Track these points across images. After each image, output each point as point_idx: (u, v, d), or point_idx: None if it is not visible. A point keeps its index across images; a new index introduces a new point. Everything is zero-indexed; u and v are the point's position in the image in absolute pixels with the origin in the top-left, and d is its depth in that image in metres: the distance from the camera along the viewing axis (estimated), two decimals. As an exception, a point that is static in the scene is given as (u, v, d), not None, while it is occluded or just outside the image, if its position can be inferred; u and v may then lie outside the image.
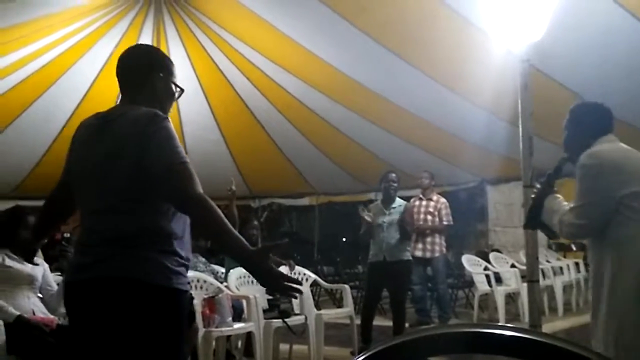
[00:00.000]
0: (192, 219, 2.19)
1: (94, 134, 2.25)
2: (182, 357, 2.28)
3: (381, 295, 6.61)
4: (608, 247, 2.74)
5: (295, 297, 2.18)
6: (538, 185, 3.08)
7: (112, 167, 2.15)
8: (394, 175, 6.67)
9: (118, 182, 2.14)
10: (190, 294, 2.35)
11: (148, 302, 2.09)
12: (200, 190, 2.08)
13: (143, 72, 2.35)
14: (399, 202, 6.59)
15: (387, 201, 6.57)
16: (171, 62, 2.47)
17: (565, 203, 2.90)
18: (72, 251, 4.60)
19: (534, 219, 3.04)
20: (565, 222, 2.79)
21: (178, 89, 2.44)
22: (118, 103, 2.37)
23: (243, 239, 2.10)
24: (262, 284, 2.20)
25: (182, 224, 2.23)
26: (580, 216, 2.75)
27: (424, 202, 8.15)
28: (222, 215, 2.08)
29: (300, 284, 2.15)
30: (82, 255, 2.20)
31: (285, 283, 2.08)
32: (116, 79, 2.40)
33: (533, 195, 3.07)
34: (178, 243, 2.19)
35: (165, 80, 2.38)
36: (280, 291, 2.21)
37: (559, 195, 2.97)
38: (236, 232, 2.10)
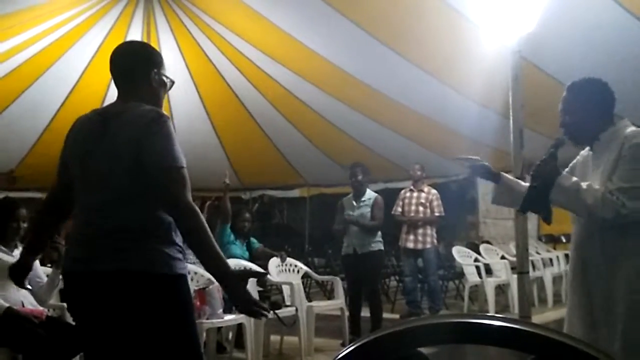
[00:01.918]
0: (179, 227, 2.24)
1: (95, 130, 2.29)
2: (196, 335, 2.34)
3: (361, 286, 6.58)
4: (628, 239, 2.60)
5: (260, 318, 2.26)
6: (539, 165, 2.72)
7: (113, 164, 2.21)
8: (357, 169, 6.64)
9: (119, 179, 2.20)
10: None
11: (157, 292, 2.17)
12: (190, 199, 2.17)
13: (140, 70, 2.40)
14: (369, 194, 6.60)
15: (357, 195, 6.60)
16: (161, 56, 2.54)
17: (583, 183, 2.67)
18: (63, 243, 4.60)
19: (541, 199, 2.69)
20: (608, 199, 2.54)
21: (169, 81, 2.49)
22: (116, 100, 2.42)
23: (223, 257, 2.20)
24: (234, 304, 2.35)
25: None
26: (633, 197, 2.53)
27: (415, 194, 8.16)
28: (208, 229, 2.17)
29: (268, 310, 2.29)
30: (84, 247, 2.24)
31: (255, 308, 2.21)
32: (110, 73, 2.44)
33: (533, 173, 2.73)
34: (175, 231, 2.26)
35: (160, 76, 2.44)
36: (249, 314, 2.30)
37: (573, 177, 2.73)
38: (218, 248, 2.19)
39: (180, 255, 2.27)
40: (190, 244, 2.20)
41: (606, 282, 2.63)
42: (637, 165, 2.59)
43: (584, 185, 2.62)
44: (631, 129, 2.72)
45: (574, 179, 2.67)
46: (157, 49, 2.71)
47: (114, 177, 2.21)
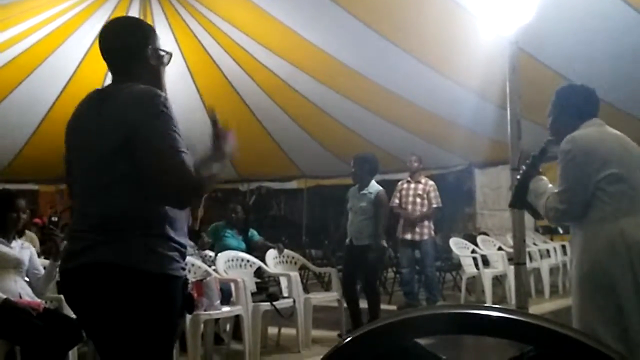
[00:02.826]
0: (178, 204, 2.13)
1: (91, 108, 2.15)
2: (170, 346, 2.18)
3: (356, 278, 6.54)
4: (580, 230, 2.81)
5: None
6: (524, 167, 3.07)
7: (101, 147, 2.04)
8: (353, 161, 6.56)
9: (106, 164, 2.04)
10: (187, 278, 2.25)
11: (136, 289, 2.00)
12: (189, 179, 2.02)
13: (135, 48, 2.23)
14: (372, 187, 6.45)
15: (360, 186, 6.52)
16: (154, 30, 2.37)
17: (551, 185, 2.91)
18: (60, 235, 4.61)
19: (519, 199, 3.06)
20: (549, 206, 2.82)
21: (167, 55, 2.33)
22: (112, 81, 2.25)
23: (202, 170, 2.11)
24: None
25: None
26: (562, 201, 2.77)
27: (412, 185, 8.16)
28: (194, 181, 2.04)
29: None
30: (72, 242, 2.15)
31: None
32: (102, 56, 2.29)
33: (518, 177, 3.07)
34: (171, 226, 2.09)
35: (157, 51, 2.28)
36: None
37: (543, 177, 2.98)
38: (199, 175, 2.07)
39: (174, 254, 2.08)
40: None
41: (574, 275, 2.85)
42: (561, 170, 2.82)
43: (550, 189, 2.87)
44: (581, 132, 2.87)
45: (543, 182, 2.92)
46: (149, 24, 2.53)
47: (101, 161, 2.05)
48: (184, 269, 2.15)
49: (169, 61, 2.34)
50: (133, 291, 2.00)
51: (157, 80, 2.26)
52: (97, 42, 2.33)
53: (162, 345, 2.11)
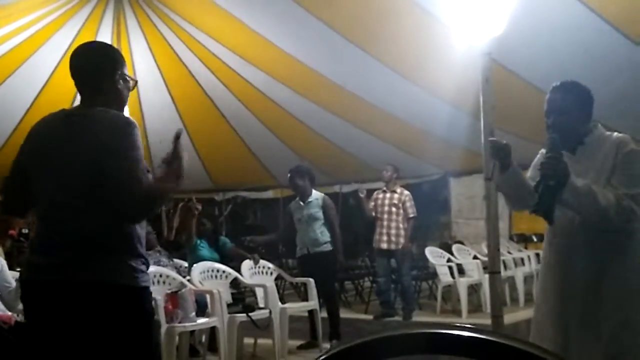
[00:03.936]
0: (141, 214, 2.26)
1: (60, 129, 2.22)
2: (152, 350, 2.31)
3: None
4: (620, 237, 2.62)
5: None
6: (548, 166, 2.57)
7: (76, 165, 2.15)
8: (289, 174, 6.69)
9: (81, 186, 2.14)
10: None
11: (118, 303, 2.14)
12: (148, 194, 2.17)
13: (104, 73, 2.33)
14: (315, 195, 6.61)
15: (302, 197, 6.62)
16: (122, 55, 2.47)
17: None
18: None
19: (551, 199, 2.55)
20: (627, 208, 2.52)
21: (133, 81, 2.43)
22: (80, 103, 2.34)
23: (163, 182, 2.26)
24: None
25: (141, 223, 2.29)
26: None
27: (387, 195, 8.20)
28: (157, 191, 2.22)
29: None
30: (46, 255, 2.16)
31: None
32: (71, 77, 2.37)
33: (545, 172, 2.56)
34: (139, 243, 2.25)
35: (124, 78, 2.37)
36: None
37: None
38: (160, 186, 2.24)
39: (143, 267, 2.26)
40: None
41: (593, 283, 2.62)
42: (638, 172, 2.60)
43: (594, 187, 2.55)
44: (615, 134, 2.73)
45: (582, 180, 2.58)
46: (126, 49, 2.65)
47: (76, 182, 2.15)
48: (149, 280, 2.33)
49: (133, 87, 2.45)
50: (113, 306, 2.12)
51: (122, 103, 2.36)
52: (69, 52, 2.40)
53: (145, 355, 2.23)
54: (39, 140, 2.29)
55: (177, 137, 2.38)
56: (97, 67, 2.34)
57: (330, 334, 6.25)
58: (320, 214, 6.48)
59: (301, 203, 6.60)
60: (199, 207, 6.35)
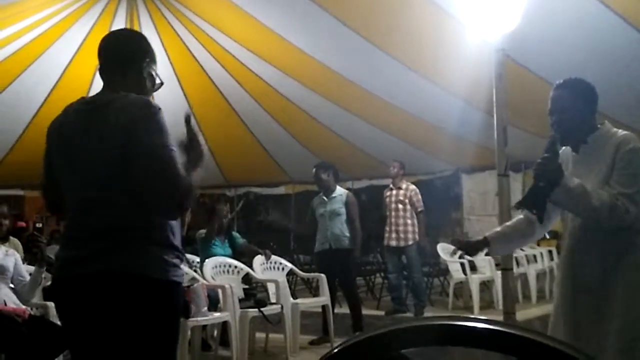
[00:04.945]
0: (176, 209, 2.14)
1: (84, 119, 2.14)
2: (174, 352, 2.23)
3: (335, 283, 6.62)
4: (631, 234, 2.57)
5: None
6: (542, 163, 2.56)
7: (101, 157, 2.06)
8: (314, 169, 6.73)
9: (108, 173, 2.06)
10: (183, 285, 2.29)
11: (147, 296, 2.04)
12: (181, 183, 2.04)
13: (135, 58, 2.27)
14: (339, 191, 6.67)
15: (325, 192, 6.65)
16: (154, 51, 2.39)
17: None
18: (44, 241, 4.56)
19: (542, 198, 2.54)
20: (618, 206, 2.48)
21: (159, 81, 2.37)
22: (103, 88, 2.26)
23: (186, 167, 2.11)
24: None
25: None
26: (637, 202, 2.51)
27: (394, 192, 8.18)
28: (180, 181, 2.04)
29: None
30: (76, 249, 2.09)
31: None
32: (98, 59, 2.29)
33: (537, 172, 2.55)
34: (172, 235, 2.15)
35: (150, 71, 2.32)
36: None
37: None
38: (186, 177, 2.08)
39: (176, 261, 2.15)
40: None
41: (603, 279, 2.60)
42: (636, 170, 2.56)
43: (588, 187, 2.53)
44: (621, 132, 2.69)
45: (577, 180, 2.55)
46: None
47: (102, 171, 2.06)
48: (182, 275, 2.22)
49: (157, 88, 2.38)
50: (142, 299, 2.04)
51: (142, 94, 2.26)
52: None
53: (168, 351, 2.16)
54: (60, 134, 2.21)
55: (188, 120, 2.31)
56: (127, 49, 2.29)
57: (354, 327, 6.30)
58: (343, 210, 6.51)
59: (324, 198, 6.61)
60: (227, 208, 6.42)
